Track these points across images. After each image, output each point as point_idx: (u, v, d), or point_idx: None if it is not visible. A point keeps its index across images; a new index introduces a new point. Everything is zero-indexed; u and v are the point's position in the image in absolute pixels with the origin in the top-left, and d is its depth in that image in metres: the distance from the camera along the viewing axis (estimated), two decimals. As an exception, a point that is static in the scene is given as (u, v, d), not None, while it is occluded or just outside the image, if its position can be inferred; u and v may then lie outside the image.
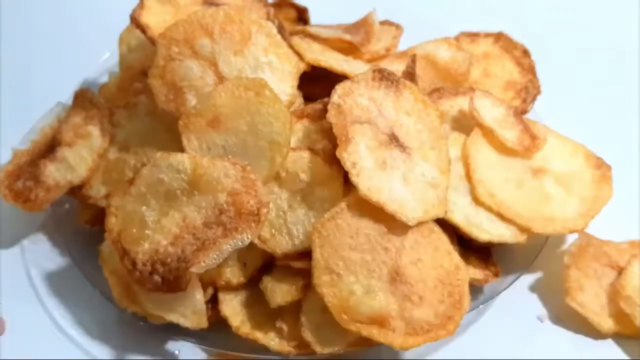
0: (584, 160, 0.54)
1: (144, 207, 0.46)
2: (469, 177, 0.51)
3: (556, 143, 0.55)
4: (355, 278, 0.44)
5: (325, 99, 0.49)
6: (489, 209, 0.50)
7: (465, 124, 0.55)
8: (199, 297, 0.46)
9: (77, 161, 0.52)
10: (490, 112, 0.54)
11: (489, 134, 0.53)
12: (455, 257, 0.47)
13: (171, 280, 0.44)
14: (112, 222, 0.47)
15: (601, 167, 0.54)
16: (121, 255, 0.46)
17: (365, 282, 0.44)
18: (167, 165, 0.47)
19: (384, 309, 0.44)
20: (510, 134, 0.53)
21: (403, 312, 0.44)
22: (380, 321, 0.44)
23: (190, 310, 0.46)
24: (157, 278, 0.44)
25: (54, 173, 0.52)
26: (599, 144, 0.56)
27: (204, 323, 0.46)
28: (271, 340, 0.47)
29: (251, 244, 0.47)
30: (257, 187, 0.45)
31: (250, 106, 0.48)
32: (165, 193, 0.46)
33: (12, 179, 0.54)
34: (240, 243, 0.44)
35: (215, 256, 0.44)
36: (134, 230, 0.46)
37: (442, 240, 0.47)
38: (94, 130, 0.53)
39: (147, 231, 0.46)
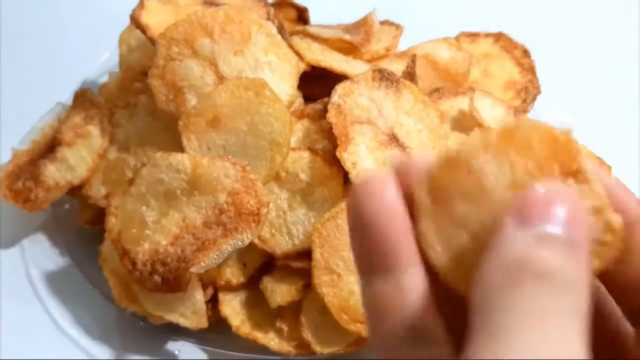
0: (584, 160, 0.54)
1: (144, 207, 0.46)
2: None
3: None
4: (356, 278, 0.44)
5: (325, 99, 0.49)
6: None
7: (465, 124, 0.55)
8: (199, 297, 0.46)
9: (77, 161, 0.52)
10: (490, 112, 0.54)
11: None
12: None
13: (171, 280, 0.44)
14: (112, 222, 0.47)
15: (601, 167, 0.54)
16: (121, 255, 0.46)
17: (365, 282, 0.44)
18: (167, 165, 0.47)
19: (384, 309, 0.44)
20: None
21: (403, 312, 0.44)
22: (380, 321, 0.44)
23: (190, 310, 0.46)
24: (157, 278, 0.44)
25: (54, 173, 0.52)
26: (599, 143, 0.56)
27: (204, 323, 0.46)
28: (271, 340, 0.47)
29: (251, 243, 0.47)
30: (257, 187, 0.45)
31: (250, 106, 0.48)
32: (165, 193, 0.46)
33: (12, 179, 0.53)
34: (240, 243, 0.44)
35: (215, 256, 0.44)
36: (134, 230, 0.46)
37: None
38: (94, 130, 0.53)
39: (147, 231, 0.46)
